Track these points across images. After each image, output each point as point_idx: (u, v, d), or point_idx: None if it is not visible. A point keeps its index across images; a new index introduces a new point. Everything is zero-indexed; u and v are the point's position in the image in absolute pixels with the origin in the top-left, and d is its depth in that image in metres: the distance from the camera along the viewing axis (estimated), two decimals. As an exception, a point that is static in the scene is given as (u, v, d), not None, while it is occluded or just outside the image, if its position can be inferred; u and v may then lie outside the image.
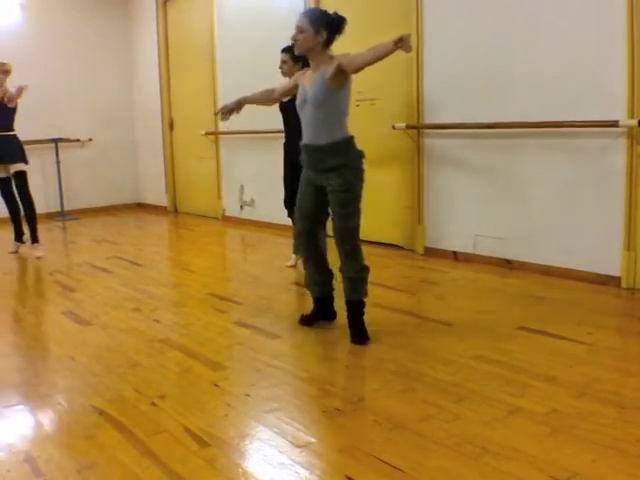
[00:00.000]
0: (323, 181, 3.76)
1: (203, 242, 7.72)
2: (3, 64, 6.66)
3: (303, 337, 4.03)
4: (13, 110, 6.78)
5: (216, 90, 8.65)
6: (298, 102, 3.81)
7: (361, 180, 3.76)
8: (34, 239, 6.87)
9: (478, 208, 5.59)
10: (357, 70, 3.55)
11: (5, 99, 6.57)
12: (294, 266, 5.71)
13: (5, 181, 6.84)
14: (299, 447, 2.61)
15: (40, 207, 9.59)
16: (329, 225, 4.33)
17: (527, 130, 5.16)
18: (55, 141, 9.60)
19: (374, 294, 4.79)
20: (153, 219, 9.73)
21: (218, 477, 2.42)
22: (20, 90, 6.65)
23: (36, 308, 4.89)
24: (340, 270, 3.88)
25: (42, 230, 8.58)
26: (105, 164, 10.44)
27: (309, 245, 4.02)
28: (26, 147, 9.21)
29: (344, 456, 2.52)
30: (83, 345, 4.00)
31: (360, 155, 3.78)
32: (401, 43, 3.22)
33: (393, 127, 6.07)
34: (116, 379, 3.42)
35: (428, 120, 5.88)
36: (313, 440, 2.67)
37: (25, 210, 6.87)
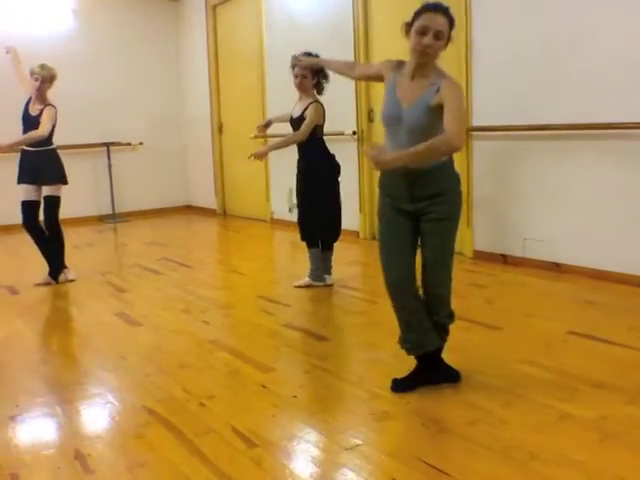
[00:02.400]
0: (421, 208, 3.05)
1: (251, 244, 7.77)
2: (49, 69, 5.76)
3: (351, 340, 4.04)
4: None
5: (265, 94, 8.70)
6: (387, 115, 3.09)
7: (461, 207, 3.18)
8: (62, 265, 5.91)
9: (527, 211, 5.53)
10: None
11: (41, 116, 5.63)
12: (303, 287, 5.24)
13: (31, 206, 5.78)
14: (346, 449, 2.62)
15: (91, 209, 9.86)
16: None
17: (577, 132, 5.09)
18: (107, 145, 9.76)
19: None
20: (202, 221, 9.82)
21: (265, 477, 2.44)
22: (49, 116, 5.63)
23: (88, 308, 4.97)
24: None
25: (93, 232, 8.76)
26: (155, 167, 10.57)
27: (407, 293, 3.16)
28: (78, 151, 9.48)
29: (391, 459, 2.53)
30: (134, 345, 4.07)
31: (459, 180, 3.18)
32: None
33: (441, 130, 6.03)
34: (166, 379, 3.47)
35: (477, 123, 5.84)
36: (360, 442, 2.68)
37: (52, 240, 5.83)
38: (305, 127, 4.95)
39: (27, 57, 8.43)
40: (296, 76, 5.01)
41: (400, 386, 3.18)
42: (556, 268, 5.33)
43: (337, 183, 5.23)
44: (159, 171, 10.62)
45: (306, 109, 4.99)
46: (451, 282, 3.20)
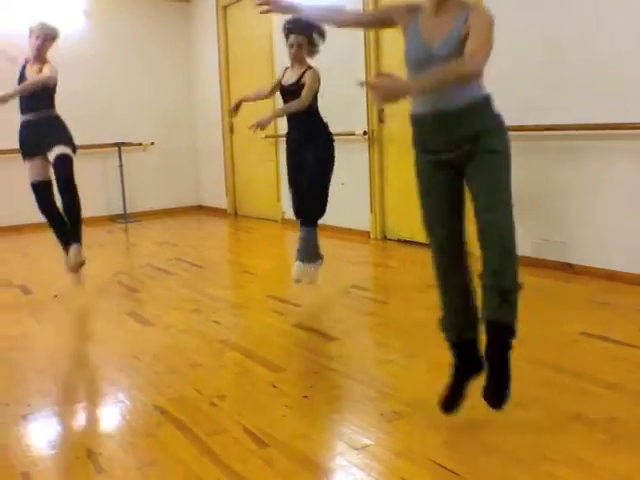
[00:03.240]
0: (461, 153, 2.67)
1: (262, 244, 7.78)
2: (51, 27, 5.34)
3: (362, 340, 4.04)
4: (52, 85, 5.26)
5: (275, 94, 8.70)
6: (413, 58, 2.75)
7: (510, 148, 2.74)
8: (75, 238, 5.33)
9: (539, 212, 5.51)
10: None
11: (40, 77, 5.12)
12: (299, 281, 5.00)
13: (43, 187, 5.32)
14: (356, 449, 2.62)
15: (102, 210, 9.89)
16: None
17: (588, 132, 5.07)
18: (118, 145, 9.79)
19: (432, 297, 4.78)
20: (213, 221, 9.85)
21: (276, 477, 2.45)
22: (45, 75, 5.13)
23: (99, 308, 4.99)
24: (480, 276, 2.72)
25: (104, 232, 8.80)
26: (167, 167, 10.60)
27: (454, 268, 2.83)
28: (90, 151, 9.51)
29: (401, 459, 2.53)
30: (145, 345, 4.08)
31: (503, 119, 2.75)
32: None
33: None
34: (177, 379, 3.48)
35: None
36: (370, 442, 2.68)
37: (66, 213, 5.32)
38: (307, 93, 4.74)
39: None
40: (291, 45, 4.85)
41: (446, 406, 2.78)
42: (569, 269, 5.31)
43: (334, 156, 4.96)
44: (170, 171, 10.65)
45: (302, 76, 4.81)
46: (514, 231, 2.70)
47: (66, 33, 9.37)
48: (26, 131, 5.31)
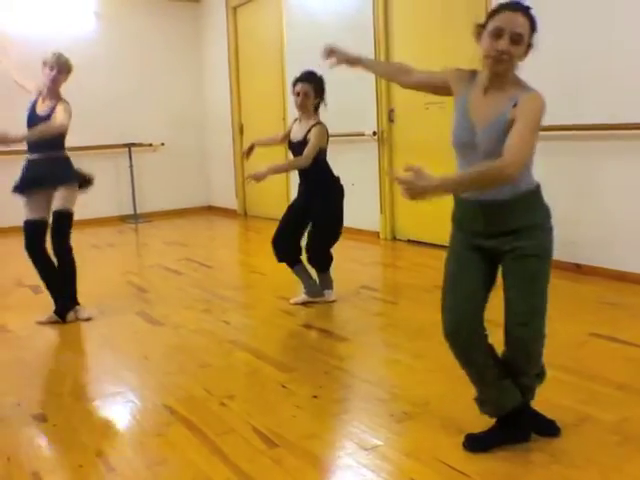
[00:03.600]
0: (500, 245, 2.54)
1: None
2: (66, 58, 4.80)
3: (371, 340, 4.04)
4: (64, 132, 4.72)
5: (285, 95, 8.70)
6: (458, 140, 2.59)
7: (552, 246, 2.61)
8: (74, 301, 4.80)
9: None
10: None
11: (54, 116, 4.60)
12: (300, 304, 4.87)
13: (37, 226, 4.69)
14: (366, 450, 2.62)
15: (113, 210, 9.93)
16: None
17: (600, 132, 5.05)
18: (128, 146, 9.81)
19: (437, 298, 4.78)
20: (223, 222, 9.86)
21: (285, 477, 2.45)
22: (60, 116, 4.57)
23: (109, 308, 5.01)
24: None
25: (114, 232, 8.83)
26: (177, 168, 10.63)
27: (471, 343, 2.62)
28: (100, 152, 9.56)
29: (410, 460, 2.53)
30: (155, 345, 4.09)
31: (549, 213, 2.63)
32: None
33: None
34: (187, 378, 3.49)
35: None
36: (380, 443, 2.68)
37: (60, 268, 4.74)
38: (310, 150, 4.55)
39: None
40: (297, 94, 4.67)
41: (473, 445, 2.61)
42: (577, 269, 5.30)
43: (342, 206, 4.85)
44: (180, 172, 10.68)
45: (309, 131, 4.63)
46: (545, 337, 2.62)
47: (77, 35, 9.49)
48: (28, 171, 4.75)
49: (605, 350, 3.64)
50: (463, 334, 2.59)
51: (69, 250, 4.73)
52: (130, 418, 3.07)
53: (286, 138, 5.03)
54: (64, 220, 4.66)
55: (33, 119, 4.69)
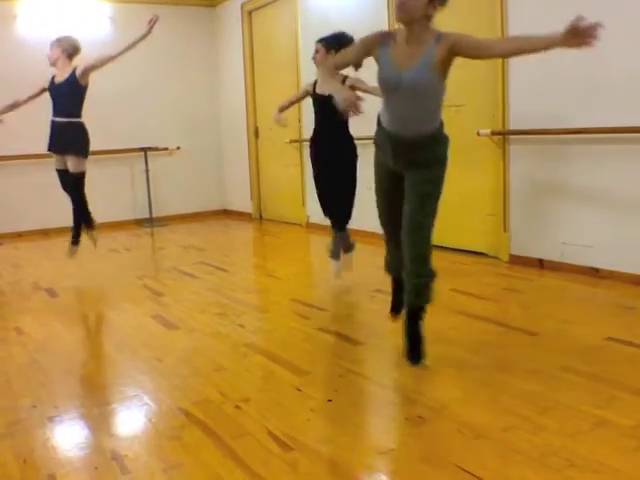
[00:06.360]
0: (407, 172, 3.32)
1: (287, 248, 7.79)
2: (68, 40, 6.02)
3: (386, 344, 4.03)
4: (82, 91, 5.94)
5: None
6: (385, 82, 3.18)
7: (445, 172, 3.33)
8: (90, 224, 6.21)
9: (565, 215, 5.48)
10: (497, 56, 3.16)
11: (78, 74, 5.80)
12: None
13: (62, 173, 6.04)
14: (380, 453, 2.61)
15: (129, 214, 10.00)
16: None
17: (615, 136, 5.03)
18: (144, 150, 9.86)
19: (458, 301, 4.77)
20: (238, 225, 9.88)
21: (300, 481, 2.45)
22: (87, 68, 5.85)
23: (125, 311, 5.02)
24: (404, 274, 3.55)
25: (130, 236, 8.88)
26: (192, 172, 10.67)
27: (395, 229, 3.50)
28: (117, 156, 9.62)
29: (425, 464, 2.52)
30: (170, 348, 4.10)
31: (448, 144, 3.34)
32: (573, 39, 2.74)
33: (478, 133, 6.01)
34: (202, 382, 3.49)
35: (514, 126, 5.80)
36: (394, 447, 2.67)
37: (73, 206, 6.09)
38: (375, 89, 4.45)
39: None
40: (317, 51, 5.13)
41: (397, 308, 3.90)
42: (595, 273, 5.27)
43: None
44: (196, 175, 10.72)
45: (343, 83, 4.91)
46: (430, 243, 3.40)
47: (92, 40, 9.51)
48: (52, 131, 5.90)
49: (622, 354, 3.61)
50: (391, 228, 3.59)
51: (83, 198, 5.97)
52: (145, 421, 3.07)
53: (305, 95, 5.48)
54: (76, 180, 5.87)
55: (55, 88, 5.82)
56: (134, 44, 5.94)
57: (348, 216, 5.32)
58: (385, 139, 3.33)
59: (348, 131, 5.19)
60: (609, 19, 4.98)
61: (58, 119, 5.84)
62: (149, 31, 5.91)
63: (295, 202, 9.18)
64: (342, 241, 5.45)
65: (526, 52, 3.03)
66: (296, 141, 8.93)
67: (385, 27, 7.04)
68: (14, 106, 5.99)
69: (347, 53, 3.52)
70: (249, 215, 10.32)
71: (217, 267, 6.51)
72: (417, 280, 3.46)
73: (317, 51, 5.13)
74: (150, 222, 9.87)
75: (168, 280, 6.04)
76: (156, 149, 10.05)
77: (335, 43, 4.99)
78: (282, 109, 5.60)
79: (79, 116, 5.88)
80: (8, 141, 8.81)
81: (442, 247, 6.56)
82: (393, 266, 3.91)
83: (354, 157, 5.20)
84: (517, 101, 5.74)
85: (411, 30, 3.07)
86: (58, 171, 6.01)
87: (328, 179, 5.27)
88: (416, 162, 3.24)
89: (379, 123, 3.40)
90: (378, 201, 3.61)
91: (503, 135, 5.90)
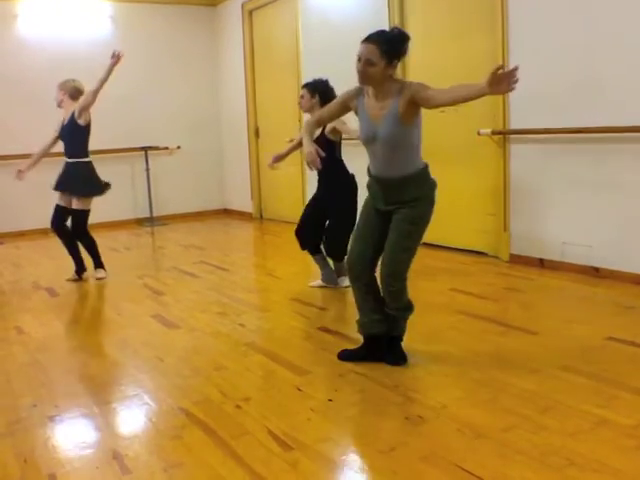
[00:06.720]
0: (396, 213, 3.45)
1: (288, 248, 7.77)
2: (69, 82, 6.12)
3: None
4: (82, 131, 6.02)
5: (301, 97, 8.73)
6: (365, 136, 3.45)
7: (430, 213, 3.47)
8: (98, 265, 6.28)
9: (565, 215, 5.48)
10: (438, 106, 3.25)
11: (76, 114, 5.90)
12: (317, 287, 5.48)
13: (59, 209, 6.11)
14: (381, 453, 2.61)
15: (129, 213, 10.00)
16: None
17: (615, 135, 5.02)
18: (145, 149, 9.86)
19: (458, 301, 4.77)
20: (239, 225, 9.87)
21: (300, 480, 2.45)
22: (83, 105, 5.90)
23: (126, 311, 5.03)
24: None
25: (131, 235, 8.88)
26: (193, 171, 10.67)
27: (363, 268, 3.57)
28: (117, 155, 9.61)
29: (425, 463, 2.52)
30: (171, 347, 4.10)
31: (434, 186, 3.49)
32: (496, 87, 2.87)
33: (478, 133, 6.01)
34: (202, 381, 3.49)
35: (514, 126, 5.80)
36: (395, 447, 2.67)
37: (82, 245, 6.20)
38: (354, 132, 4.64)
39: (65, 62, 8.63)
40: (302, 96, 5.25)
41: (345, 356, 3.69)
42: (595, 273, 5.27)
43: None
44: (196, 175, 10.72)
45: (324, 127, 4.98)
46: (405, 280, 3.50)
47: (93, 39, 9.54)
48: (62, 170, 6.08)
49: (623, 354, 3.61)
50: (358, 268, 3.58)
51: (87, 235, 6.08)
52: (146, 420, 3.08)
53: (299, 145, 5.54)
54: (79, 218, 6.00)
55: (62, 130, 6.03)
56: (107, 75, 5.93)
57: (342, 250, 5.09)
58: (373, 183, 3.56)
59: (339, 173, 5.21)
60: (609, 19, 5.01)
61: (66, 159, 6.04)
62: (113, 65, 5.99)
63: (295, 201, 9.16)
64: (338, 270, 5.42)
65: (460, 101, 3.17)
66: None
67: (385, 27, 7.02)
68: (35, 162, 6.20)
69: (323, 112, 3.80)
70: (249, 214, 10.32)
71: (217, 266, 6.51)
72: (396, 313, 3.59)
73: (302, 96, 5.26)
74: (151, 221, 9.87)
75: (168, 279, 6.04)
76: (157, 148, 10.05)
77: (319, 87, 5.16)
78: (279, 159, 5.94)
79: (84, 155, 6.03)
80: (8, 141, 8.83)
81: (442, 247, 6.56)
82: (368, 325, 3.67)
83: (347, 191, 5.16)
84: (517, 101, 5.73)
85: (379, 88, 3.36)
86: (57, 206, 6.11)
87: (315, 210, 5.33)
88: (404, 201, 3.40)
89: (369, 174, 3.58)
90: (354, 241, 3.64)
91: (503, 135, 5.90)
